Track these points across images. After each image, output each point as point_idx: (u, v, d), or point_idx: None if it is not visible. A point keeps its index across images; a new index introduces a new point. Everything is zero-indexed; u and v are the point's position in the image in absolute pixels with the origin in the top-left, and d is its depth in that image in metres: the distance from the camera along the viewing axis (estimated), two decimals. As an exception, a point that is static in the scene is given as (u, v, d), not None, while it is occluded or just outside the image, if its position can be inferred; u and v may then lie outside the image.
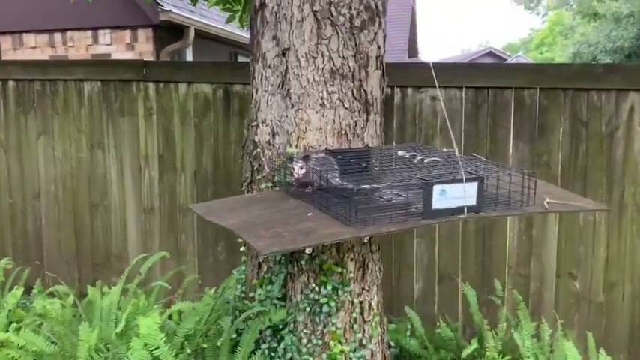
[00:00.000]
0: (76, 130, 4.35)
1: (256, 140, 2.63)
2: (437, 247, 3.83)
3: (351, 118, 2.50)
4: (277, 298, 2.60)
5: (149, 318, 2.40)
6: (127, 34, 5.40)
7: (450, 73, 3.72)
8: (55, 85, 4.36)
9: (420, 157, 2.29)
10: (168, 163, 4.22)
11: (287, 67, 2.49)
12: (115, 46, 5.49)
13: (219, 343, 2.48)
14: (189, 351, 2.47)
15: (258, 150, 2.63)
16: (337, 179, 2.25)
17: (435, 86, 3.74)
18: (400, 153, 2.32)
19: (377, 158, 2.53)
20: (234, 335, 2.59)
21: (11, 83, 4.42)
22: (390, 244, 3.81)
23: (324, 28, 2.41)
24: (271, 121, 2.56)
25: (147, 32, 5.50)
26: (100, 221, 4.40)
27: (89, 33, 5.49)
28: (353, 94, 2.49)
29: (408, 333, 2.94)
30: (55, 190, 4.45)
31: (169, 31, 5.83)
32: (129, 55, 5.59)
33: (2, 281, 3.93)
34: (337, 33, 2.43)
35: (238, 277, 2.83)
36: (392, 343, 2.91)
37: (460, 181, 1.90)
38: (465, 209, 1.93)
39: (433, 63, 3.78)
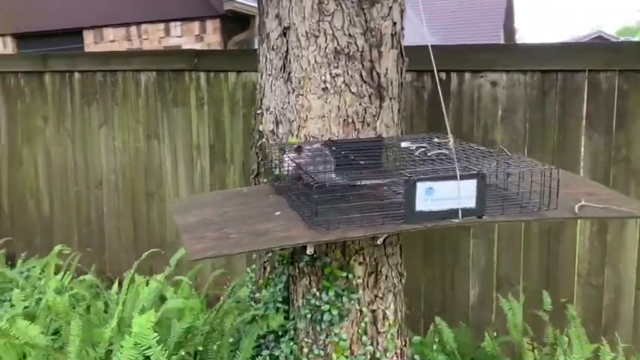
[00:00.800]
0: (133, 120, 4.36)
1: (261, 129, 2.39)
2: (495, 249, 3.39)
3: (360, 104, 2.18)
4: (281, 301, 2.35)
5: (144, 316, 2.24)
6: (196, 25, 5.37)
7: (512, 55, 3.26)
8: (115, 76, 4.39)
9: (425, 149, 1.93)
10: (218, 154, 4.10)
11: (287, 47, 2.22)
12: (185, 37, 5.48)
13: (215, 347, 2.27)
14: (183, 353, 2.28)
15: (263, 140, 2.38)
16: (330, 174, 1.95)
17: (495, 70, 3.30)
18: (404, 144, 1.97)
19: (389, 150, 2.19)
20: (234, 339, 2.38)
21: (77, 75, 4.50)
22: (443, 244, 3.44)
23: (326, 2, 2.11)
24: (274, 108, 2.30)
25: (214, 23, 5.44)
26: (155, 210, 4.37)
27: (161, 25, 5.53)
28: (362, 76, 2.17)
29: (435, 347, 2.56)
30: (115, 179, 4.49)
31: (236, 22, 5.74)
32: (198, 47, 5.58)
33: (58, 266, 4.02)
34: (342, 8, 2.11)
35: (251, 275, 2.61)
36: (417, 358, 2.55)
37: (453, 177, 1.53)
38: (460, 212, 1.56)
39: (495, 44, 3.33)
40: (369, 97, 2.19)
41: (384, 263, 2.31)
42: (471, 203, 1.55)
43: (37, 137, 4.67)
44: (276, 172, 2.07)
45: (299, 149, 1.99)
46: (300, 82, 2.16)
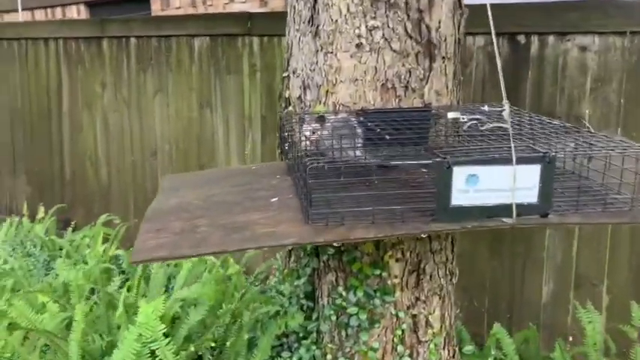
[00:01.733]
0: (187, 88, 4.09)
1: (287, 96, 1.98)
2: (575, 242, 2.84)
3: (403, 64, 1.71)
4: (304, 297, 1.96)
5: (151, 304, 1.92)
6: (260, -11, 5.02)
7: (607, 13, 2.65)
8: (169, 42, 4.12)
9: (477, 122, 1.44)
10: (270, 125, 3.74)
11: (316, -6, 1.78)
12: (249, 3, 5.12)
13: (228, 344, 1.93)
14: (193, 349, 1.96)
15: (290, 109, 1.97)
16: (356, 151, 1.52)
17: (586, 32, 2.71)
18: (451, 115, 1.49)
19: (440, 124, 1.71)
20: (254, 335, 2.02)
21: (132, 40, 4.28)
22: (513, 232, 2.92)
23: None
24: (302, 70, 1.87)
25: (278, -14, 5.07)
26: (207, 183, 4.10)
27: (226, -10, 5.21)
28: (406, 30, 1.70)
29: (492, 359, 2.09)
30: (169, 149, 4.26)
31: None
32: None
33: (107, 237, 3.86)
34: (382, -59, 1.64)
35: (279, 262, 2.24)
36: (468, 372, 2.10)
37: (506, 161, 1.06)
38: (514, 209, 1.09)
39: (586, 0, 2.72)
40: (416, 56, 1.72)
41: (428, 260, 1.86)
42: (531, 197, 1.08)
43: (95, 103, 4.52)
44: (287, 146, 1.66)
45: (321, 119, 1.57)
46: (329, 37, 1.73)
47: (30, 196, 4.94)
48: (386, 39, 1.69)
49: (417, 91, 1.74)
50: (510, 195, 1.07)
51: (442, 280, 1.91)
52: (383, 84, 1.72)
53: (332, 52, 1.73)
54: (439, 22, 1.73)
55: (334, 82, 1.74)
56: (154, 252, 0.97)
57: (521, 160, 1.07)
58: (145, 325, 1.89)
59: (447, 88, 1.80)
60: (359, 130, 1.55)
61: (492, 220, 1.10)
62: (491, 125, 1.34)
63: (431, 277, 1.88)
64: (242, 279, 2.67)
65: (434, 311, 1.92)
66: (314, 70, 1.82)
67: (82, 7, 6.15)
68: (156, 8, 5.71)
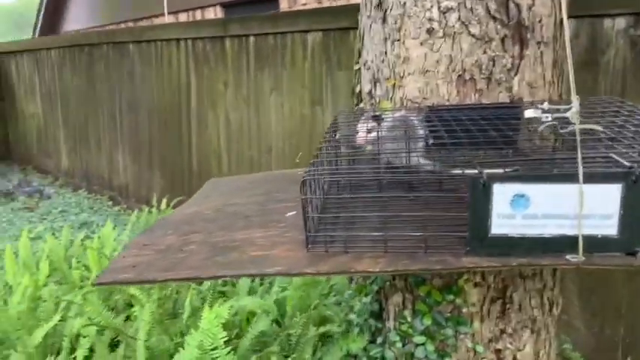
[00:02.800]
0: (299, 86, 4.00)
1: (357, 90, 1.74)
2: None
3: (484, 51, 1.40)
4: (371, 317, 1.72)
5: (214, 310, 1.82)
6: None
7: None
8: (284, 39, 4.05)
9: (558, 122, 1.09)
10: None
11: (384, -26, 1.52)
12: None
13: (288, 361, 1.76)
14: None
15: (361, 106, 1.73)
16: (416, 156, 1.25)
17: None
18: (529, 113, 1.15)
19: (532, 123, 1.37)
20: (318, 354, 1.83)
21: (251, 39, 4.28)
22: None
23: None
24: (372, 62, 1.62)
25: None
26: (317, 181, 3.98)
27: (350, -15, 5.06)
28: (488, 10, 1.38)
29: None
30: (283, 146, 4.21)
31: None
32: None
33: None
34: None
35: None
36: None
37: (569, 177, 0.75)
38: (582, 243, 0.77)
39: None
40: (501, 41, 1.39)
41: (516, 287, 1.51)
42: (608, 228, 0.75)
43: (219, 101, 4.62)
44: (326, 150, 1.40)
45: (377, 118, 1.32)
46: (396, 23, 1.46)
47: (163, 188, 5.21)
48: (463, 22, 1.38)
49: (502, 84, 1.41)
50: (576, 224, 0.75)
51: (535, 310, 1.56)
52: (459, 75, 1.42)
53: (399, 40, 1.46)
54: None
55: (402, 74, 1.47)
56: (120, 273, 0.82)
57: (592, 178, 0.74)
58: (207, 332, 1.79)
59: (544, 79, 1.44)
60: (421, 131, 1.28)
61: (550, 256, 0.79)
62: (577, 126, 0.99)
63: (520, 307, 1.53)
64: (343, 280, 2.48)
65: (524, 347, 1.57)
66: (383, 61, 1.56)
67: (219, 9, 6.37)
68: (284, 6, 5.73)
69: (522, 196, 0.77)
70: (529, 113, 1.11)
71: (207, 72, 4.67)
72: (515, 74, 1.42)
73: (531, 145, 1.44)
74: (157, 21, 7.07)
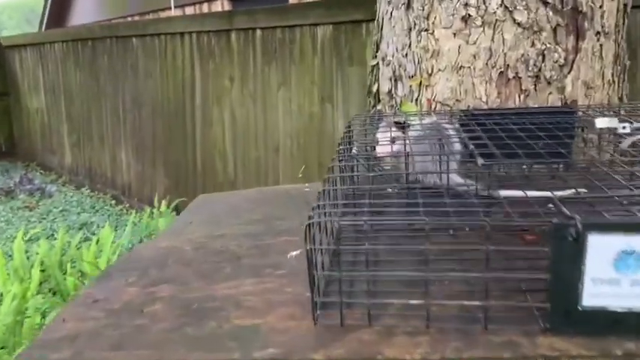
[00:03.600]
0: (309, 82, 3.74)
1: (374, 90, 1.48)
2: None
3: (532, 44, 1.13)
4: None
5: None
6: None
7: None
8: (293, 32, 3.79)
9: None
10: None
11: (409, -49, 1.25)
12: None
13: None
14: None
15: (379, 107, 1.47)
16: (454, 173, 0.99)
17: None
18: (600, 122, 0.88)
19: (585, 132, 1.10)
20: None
21: (258, 32, 4.02)
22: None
23: None
24: (393, 56, 1.36)
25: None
26: (327, 182, 3.72)
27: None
28: (538, -6, 1.11)
29: None
30: (291, 145, 3.96)
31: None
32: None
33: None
34: None
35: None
36: None
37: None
38: None
39: None
40: (553, 31, 1.13)
41: None
42: None
43: (224, 97, 4.37)
44: (345, 162, 1.14)
45: (400, 125, 1.06)
46: (423, 9, 1.20)
47: (167, 187, 4.98)
48: (506, 7, 1.12)
49: (553, 83, 1.15)
50: None
51: None
52: (501, 72, 1.15)
53: (427, 30, 1.20)
54: (592, -20, 1.12)
55: (430, 70, 1.21)
56: (52, 351, 0.57)
57: None
58: None
59: (603, 78, 1.18)
60: (456, 144, 1.01)
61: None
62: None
63: None
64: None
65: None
66: (406, 55, 1.30)
67: (226, 2, 6.11)
68: (293, 0, 5.46)
69: (632, 252, 0.51)
70: (602, 122, 0.84)
71: (213, 67, 4.42)
72: (569, 71, 1.15)
73: (586, 158, 1.17)
74: (164, 15, 6.82)
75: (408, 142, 1.03)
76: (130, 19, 7.72)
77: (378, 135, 1.12)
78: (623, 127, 0.82)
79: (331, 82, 3.58)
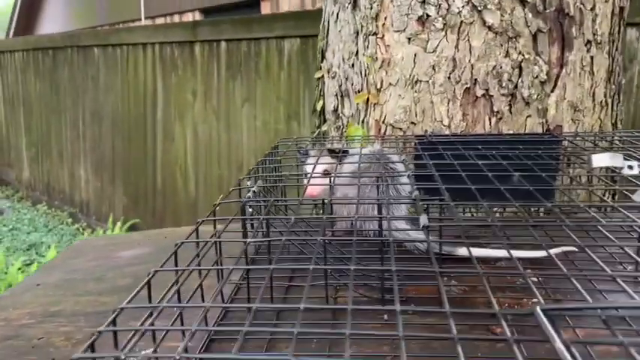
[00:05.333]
0: (274, 98, 3.49)
1: (318, 108, 1.22)
2: None
3: (507, 54, 0.88)
4: None
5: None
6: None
7: None
8: (259, 45, 3.55)
9: None
10: (362, 142, 2.98)
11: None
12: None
13: None
14: None
15: (325, 129, 1.21)
16: (400, 221, 0.73)
17: None
18: (599, 160, 0.63)
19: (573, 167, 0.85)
20: None
21: (223, 44, 3.76)
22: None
23: None
24: (339, 66, 1.10)
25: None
26: (292, 205, 3.45)
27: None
28: (514, -9, 0.87)
29: None
30: (255, 163, 3.66)
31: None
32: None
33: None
34: None
35: None
36: None
37: None
38: None
39: None
40: (533, 38, 0.88)
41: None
42: None
43: (187, 112, 4.09)
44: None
45: (335, 153, 0.80)
46: (371, 8, 0.95)
47: (126, 206, 4.66)
48: (474, 6, 0.88)
49: (533, 104, 0.90)
50: None
51: None
52: (467, 89, 0.91)
53: (376, 34, 0.95)
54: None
55: (378, 84, 0.95)
56: None
57: None
58: None
59: (594, 98, 0.93)
60: (404, 179, 0.75)
61: None
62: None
63: None
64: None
65: None
66: (353, 65, 1.04)
67: (197, 14, 5.86)
68: (265, 12, 5.22)
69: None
70: (601, 160, 0.59)
71: (175, 80, 4.15)
72: (553, 89, 0.91)
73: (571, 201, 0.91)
74: (133, 26, 6.54)
75: (340, 175, 0.76)
76: (97, 29, 7.42)
77: (306, 164, 0.86)
78: (630, 167, 0.57)
79: (298, 99, 3.34)
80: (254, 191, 0.68)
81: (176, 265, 0.53)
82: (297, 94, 3.35)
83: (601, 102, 0.96)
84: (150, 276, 0.47)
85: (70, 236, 4.46)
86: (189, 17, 6.03)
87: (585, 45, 0.92)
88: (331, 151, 0.81)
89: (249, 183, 0.74)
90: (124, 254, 0.84)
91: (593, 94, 0.95)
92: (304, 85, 3.30)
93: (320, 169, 0.80)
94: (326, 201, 0.73)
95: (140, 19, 6.30)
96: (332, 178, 0.73)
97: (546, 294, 0.62)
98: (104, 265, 0.80)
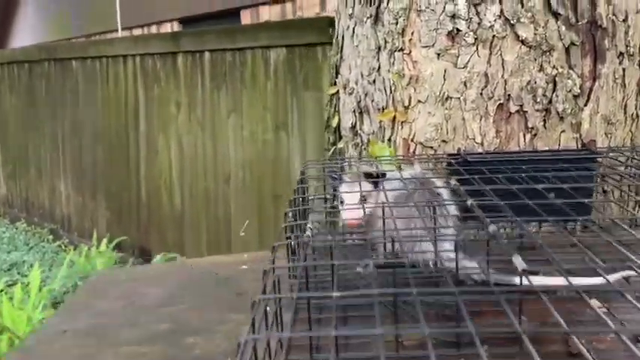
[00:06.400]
0: (261, 108, 3.43)
1: (333, 124, 1.17)
2: None
3: (541, 68, 0.84)
4: None
5: None
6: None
7: None
8: (244, 55, 3.49)
9: None
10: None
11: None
12: (340, 11, 4.38)
13: None
14: None
15: (341, 146, 1.16)
16: (466, 260, 0.68)
17: None
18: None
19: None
20: None
21: (206, 55, 3.69)
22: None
23: None
24: (357, 82, 1.05)
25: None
26: (282, 215, 3.38)
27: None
28: (549, 3, 0.83)
29: None
30: (243, 176, 3.62)
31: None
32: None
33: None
34: None
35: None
36: None
37: None
38: None
39: None
40: (566, 51, 0.85)
41: None
42: None
43: (170, 124, 4.00)
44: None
45: (371, 177, 0.75)
46: (397, 22, 0.90)
47: (109, 221, 4.54)
48: (507, 20, 0.84)
49: (567, 119, 0.86)
50: None
51: None
52: (500, 105, 0.86)
53: (402, 49, 0.90)
54: (614, -14, 0.85)
55: (406, 102, 0.91)
56: None
57: None
58: None
59: (626, 111, 0.90)
60: (450, 205, 0.70)
61: None
62: None
63: None
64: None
65: None
66: (374, 81, 0.99)
67: (176, 25, 5.77)
68: (245, 21, 5.16)
69: None
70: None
71: (158, 92, 4.06)
72: (586, 103, 0.87)
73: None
74: (111, 37, 6.40)
75: (385, 202, 0.71)
76: (75, 41, 7.25)
77: (342, 191, 0.80)
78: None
79: (285, 108, 3.29)
80: (310, 228, 0.62)
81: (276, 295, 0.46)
82: (284, 103, 3.30)
83: (632, 115, 0.93)
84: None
85: (52, 254, 4.32)
86: (167, 28, 5.92)
87: (618, 57, 0.89)
88: (368, 175, 0.76)
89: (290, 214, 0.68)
90: (150, 292, 0.77)
91: (625, 106, 0.92)
92: (292, 94, 3.26)
93: (356, 195, 0.75)
94: (394, 237, 0.67)
95: (117, 30, 6.16)
96: (382, 207, 0.68)
97: (620, 325, 0.58)
98: (132, 306, 0.73)
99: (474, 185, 0.74)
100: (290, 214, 0.71)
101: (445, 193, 0.72)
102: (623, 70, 0.90)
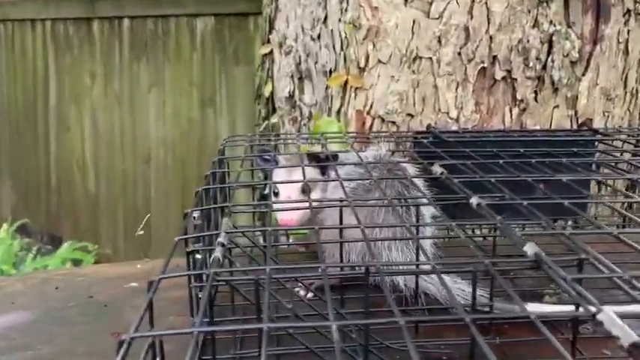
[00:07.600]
0: (187, 82, 3.14)
1: (266, 93, 0.93)
2: None
3: (534, 22, 0.64)
4: None
5: None
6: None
7: None
8: (168, 23, 3.16)
9: None
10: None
11: None
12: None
13: None
14: None
15: (274, 120, 0.92)
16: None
17: None
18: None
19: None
20: None
21: (126, 22, 3.32)
22: None
23: None
24: (297, 38, 0.82)
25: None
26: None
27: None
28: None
29: None
30: (165, 156, 3.31)
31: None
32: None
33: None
34: None
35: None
36: None
37: None
38: None
39: None
40: (565, 4, 0.65)
41: None
42: None
43: (84, 97, 3.60)
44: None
45: (317, 159, 0.52)
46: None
47: (15, 204, 4.08)
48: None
49: (562, 90, 0.67)
50: None
51: None
52: (483, 69, 0.66)
53: (359, -9, 0.67)
54: None
55: (362, 62, 0.68)
56: None
57: None
58: None
59: (626, 84, 0.72)
60: (423, 194, 0.49)
61: None
62: None
63: None
64: None
65: None
66: (320, 36, 0.76)
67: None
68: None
69: None
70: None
71: (70, 61, 3.64)
72: (584, 72, 0.68)
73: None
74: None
75: (341, 195, 0.49)
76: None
77: (275, 176, 0.57)
78: None
79: (213, 83, 3.03)
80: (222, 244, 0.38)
81: None
82: (212, 78, 3.04)
83: (632, 89, 0.76)
84: None
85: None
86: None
87: (623, 16, 0.71)
88: (313, 157, 0.53)
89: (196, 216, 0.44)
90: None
91: (626, 79, 0.74)
92: (220, 68, 2.99)
93: (296, 184, 0.52)
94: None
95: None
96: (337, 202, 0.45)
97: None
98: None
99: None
100: (195, 215, 0.47)
101: (422, 185, 0.51)
102: (628, 32, 0.72)
